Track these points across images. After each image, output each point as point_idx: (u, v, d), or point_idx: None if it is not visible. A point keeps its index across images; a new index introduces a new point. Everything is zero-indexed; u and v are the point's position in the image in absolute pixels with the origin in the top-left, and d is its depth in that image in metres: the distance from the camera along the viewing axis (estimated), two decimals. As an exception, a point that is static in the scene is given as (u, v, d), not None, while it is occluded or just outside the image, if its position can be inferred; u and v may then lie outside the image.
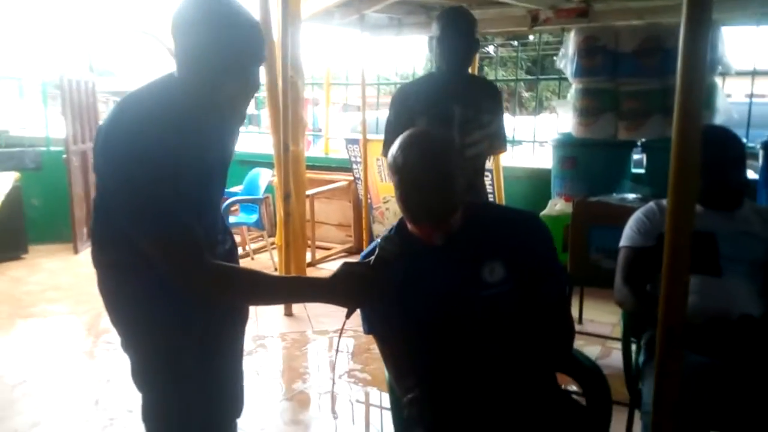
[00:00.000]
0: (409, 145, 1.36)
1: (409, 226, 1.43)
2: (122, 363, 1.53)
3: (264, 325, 3.59)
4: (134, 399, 1.56)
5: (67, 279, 4.51)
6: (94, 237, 1.43)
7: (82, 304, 3.91)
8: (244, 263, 4.81)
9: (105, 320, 3.73)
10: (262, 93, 4.29)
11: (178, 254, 1.22)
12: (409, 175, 1.34)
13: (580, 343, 3.22)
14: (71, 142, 5.04)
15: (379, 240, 1.35)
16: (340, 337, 1.44)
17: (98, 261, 1.43)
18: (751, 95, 4.29)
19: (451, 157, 1.38)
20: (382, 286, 1.30)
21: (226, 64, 1.23)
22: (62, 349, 3.30)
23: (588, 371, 1.57)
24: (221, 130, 1.41)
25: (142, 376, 1.46)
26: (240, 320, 1.65)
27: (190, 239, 1.23)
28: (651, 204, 1.95)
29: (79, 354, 3.24)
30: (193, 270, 1.24)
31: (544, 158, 5.05)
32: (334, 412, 2.68)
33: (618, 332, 2.18)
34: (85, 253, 5.15)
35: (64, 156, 5.03)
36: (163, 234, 1.21)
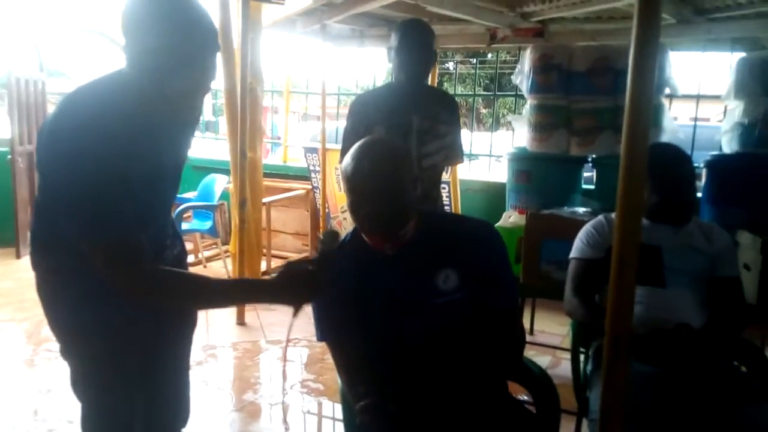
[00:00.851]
0: (361, 154, 1.34)
1: (364, 235, 1.43)
2: (63, 373, 1.47)
3: (215, 334, 3.51)
4: (74, 409, 1.49)
5: (7, 284, 4.31)
6: (34, 239, 1.36)
7: (23, 311, 3.74)
8: (196, 271, 4.73)
9: (46, 328, 3.52)
10: (220, 99, 4.24)
11: (118, 257, 1.18)
12: (359, 185, 1.33)
13: (531, 353, 3.27)
14: (17, 143, 4.84)
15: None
16: (287, 337, 1.43)
17: (37, 264, 1.36)
18: (696, 118, 4.49)
19: (403, 167, 1.36)
20: (325, 281, 1.30)
21: (178, 58, 1.19)
22: (0, 357, 3.14)
23: (538, 380, 1.61)
24: (174, 128, 1.37)
25: (82, 384, 1.40)
26: (187, 326, 1.60)
27: (132, 242, 1.18)
28: (600, 217, 2.01)
29: (18, 363, 3.09)
30: (132, 274, 1.20)
31: (499, 173, 5.15)
32: (285, 423, 2.63)
33: (568, 342, 2.23)
34: (28, 258, 4.93)
35: (9, 157, 4.83)
36: (104, 235, 1.17)
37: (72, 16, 5.57)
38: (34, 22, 5.53)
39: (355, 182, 1.34)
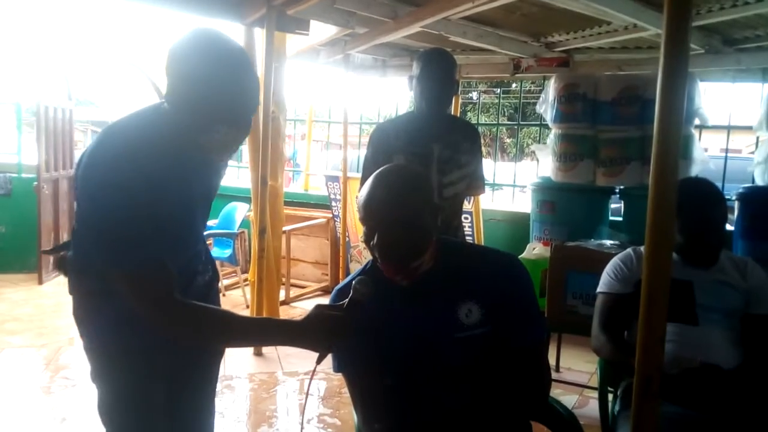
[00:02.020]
0: (377, 181, 1.31)
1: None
2: (79, 401, 1.47)
3: (232, 364, 3.46)
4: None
5: (28, 310, 4.34)
6: (72, 264, 1.37)
7: (42, 337, 3.75)
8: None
9: (64, 355, 3.61)
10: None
11: (146, 290, 1.19)
12: (372, 212, 1.28)
13: (557, 392, 3.15)
14: (44, 170, 4.94)
15: (353, 280, 1.30)
16: (310, 383, 1.39)
17: (75, 287, 1.37)
18: (727, 149, 4.38)
19: (420, 195, 1.31)
20: (354, 330, 1.26)
21: (221, 114, 1.20)
22: (17, 383, 3.14)
23: (564, 421, 1.53)
24: (207, 165, 1.38)
25: (109, 409, 1.39)
26: (214, 356, 1.60)
27: (161, 275, 1.19)
28: (629, 250, 1.93)
29: (35, 389, 3.08)
30: (158, 304, 1.20)
31: (523, 203, 5.08)
32: (300, 458, 2.56)
33: (596, 381, 2.14)
34: (50, 284, 5.00)
35: (35, 183, 4.92)
36: (129, 265, 1.17)
37: (102, 47, 5.73)
38: (65, 51, 5.69)
39: (368, 210, 1.29)
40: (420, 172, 1.54)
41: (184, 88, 1.19)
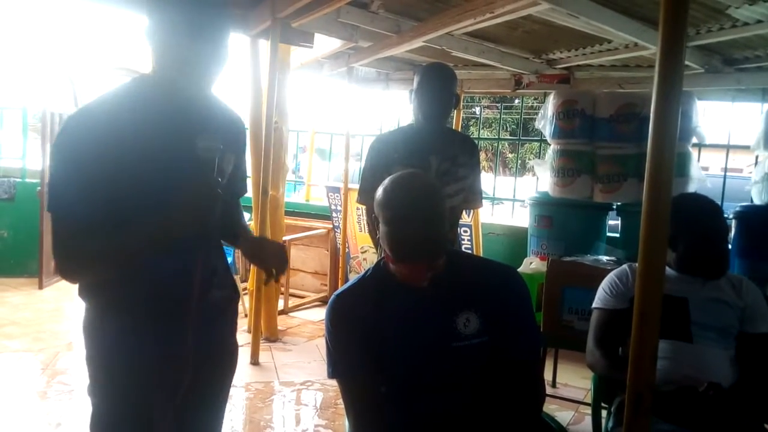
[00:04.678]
0: (397, 185, 1.36)
1: (394, 267, 1.39)
2: (75, 407, 1.43)
3: (229, 372, 3.46)
4: (81, 446, 1.45)
5: (27, 315, 4.34)
6: None
7: (40, 341, 3.75)
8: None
9: (62, 360, 3.61)
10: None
11: (56, 230, 1.21)
12: (399, 211, 1.33)
13: (552, 407, 3.15)
14: (47, 175, 4.95)
15: (352, 285, 1.33)
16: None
17: (83, 294, 1.32)
18: (726, 168, 4.40)
19: (438, 196, 1.39)
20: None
21: (189, 27, 1.20)
22: (13, 387, 3.14)
23: (555, 436, 1.53)
24: (181, 145, 1.25)
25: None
26: (227, 372, 1.49)
27: (72, 220, 1.18)
28: (624, 267, 1.95)
29: (30, 394, 3.08)
30: (62, 249, 1.21)
31: (522, 218, 5.09)
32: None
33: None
34: (50, 289, 5.01)
35: (39, 189, 4.95)
36: (50, 207, 1.20)
37: (108, 54, 5.78)
38: (72, 57, 5.73)
39: (394, 210, 1.34)
40: (431, 179, 1.58)
41: (155, 26, 1.23)
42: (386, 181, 1.39)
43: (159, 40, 1.24)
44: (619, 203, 3.98)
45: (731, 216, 3.54)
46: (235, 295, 1.49)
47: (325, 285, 5.24)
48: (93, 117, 1.20)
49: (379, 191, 1.38)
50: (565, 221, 3.96)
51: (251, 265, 4.36)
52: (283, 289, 4.72)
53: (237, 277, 4.91)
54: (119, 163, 1.17)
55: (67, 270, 1.22)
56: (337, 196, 5.07)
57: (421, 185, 1.37)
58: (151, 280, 1.26)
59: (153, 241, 1.22)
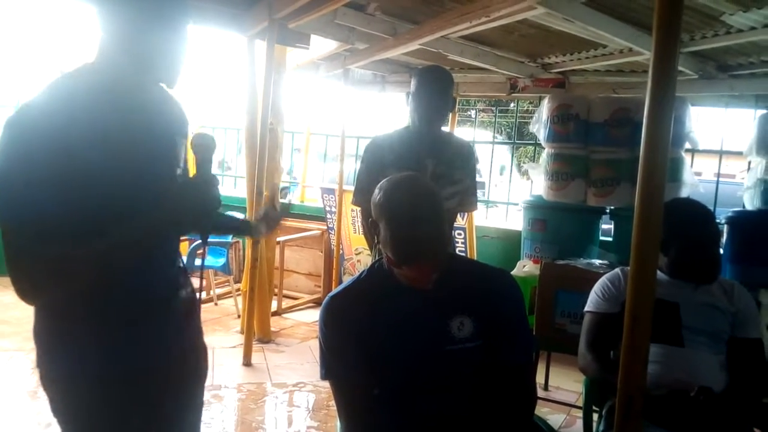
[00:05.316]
0: (397, 186, 1.37)
1: (398, 270, 1.38)
2: None
3: (220, 374, 3.45)
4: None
5: (17, 313, 4.31)
6: None
7: (31, 341, 3.70)
8: (207, 308, 4.70)
9: None
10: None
11: (10, 239, 1.05)
12: (400, 212, 1.33)
13: (544, 410, 3.15)
14: None
15: (346, 287, 1.32)
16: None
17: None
18: (719, 174, 4.42)
19: (439, 197, 1.41)
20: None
21: (148, 13, 1.16)
22: (3, 387, 3.12)
23: (546, 439, 1.53)
24: (148, 129, 1.20)
25: None
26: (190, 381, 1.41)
27: (29, 226, 1.03)
28: (617, 270, 1.95)
29: (21, 393, 3.06)
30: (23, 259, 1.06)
31: (516, 221, 5.11)
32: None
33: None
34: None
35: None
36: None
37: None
38: (67, 55, 5.71)
39: (395, 210, 1.34)
40: (428, 182, 1.58)
41: (107, 20, 1.18)
42: (384, 184, 1.38)
43: (112, 26, 1.17)
44: (612, 207, 3.99)
45: (723, 221, 3.56)
46: (194, 295, 1.40)
47: (319, 286, 5.23)
48: (44, 113, 1.06)
49: (378, 195, 1.38)
50: (559, 225, 3.97)
51: (244, 266, 4.35)
52: (276, 290, 4.71)
53: (230, 278, 4.90)
54: (78, 160, 1.06)
55: (26, 285, 1.09)
56: (332, 198, 5.07)
57: (422, 186, 1.39)
58: (126, 281, 1.17)
59: (139, 244, 1.12)
